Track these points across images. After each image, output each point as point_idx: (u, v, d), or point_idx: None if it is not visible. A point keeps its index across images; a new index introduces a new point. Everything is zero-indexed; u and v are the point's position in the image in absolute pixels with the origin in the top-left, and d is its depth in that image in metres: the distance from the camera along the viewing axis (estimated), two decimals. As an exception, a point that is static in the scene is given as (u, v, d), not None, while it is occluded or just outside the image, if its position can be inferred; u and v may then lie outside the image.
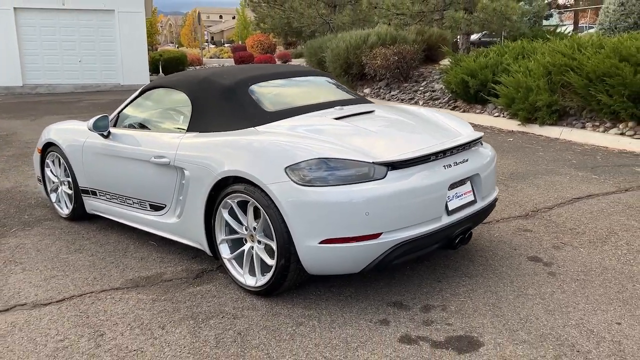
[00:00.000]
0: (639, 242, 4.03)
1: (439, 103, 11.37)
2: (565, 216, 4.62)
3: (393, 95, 12.89)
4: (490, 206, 3.65)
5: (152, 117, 4.31)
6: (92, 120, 4.20)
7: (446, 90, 11.15)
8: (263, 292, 3.31)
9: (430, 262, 3.74)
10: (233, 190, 3.30)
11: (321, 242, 2.99)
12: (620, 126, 7.41)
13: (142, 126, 4.28)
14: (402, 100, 12.38)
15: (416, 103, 11.91)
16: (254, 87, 3.83)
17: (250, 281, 3.36)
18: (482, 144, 3.72)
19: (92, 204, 4.61)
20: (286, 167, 3.05)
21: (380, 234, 2.99)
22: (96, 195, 4.54)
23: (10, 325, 3.15)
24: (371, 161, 3.04)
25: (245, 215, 3.33)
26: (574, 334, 2.86)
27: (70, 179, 4.73)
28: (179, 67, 25.44)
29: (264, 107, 3.69)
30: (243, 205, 3.32)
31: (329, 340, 2.87)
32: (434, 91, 12.11)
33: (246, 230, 3.37)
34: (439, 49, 14.46)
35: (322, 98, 4.06)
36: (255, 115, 3.62)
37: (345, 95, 4.25)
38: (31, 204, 5.47)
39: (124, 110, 4.38)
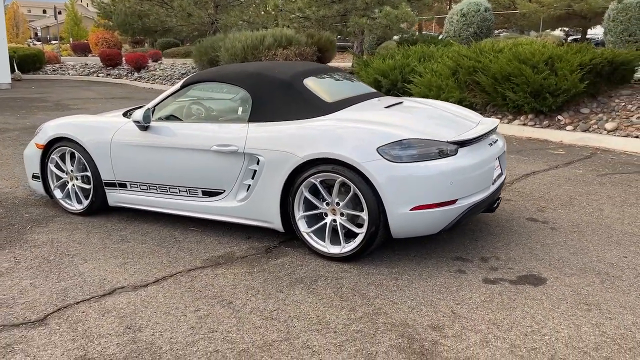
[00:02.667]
0: (596, 203, 5.16)
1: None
2: (528, 188, 5.67)
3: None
4: (505, 178, 4.51)
5: (199, 109, 4.56)
6: (140, 113, 4.34)
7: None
8: (348, 258, 3.82)
9: (460, 227, 4.44)
10: (318, 171, 3.77)
11: (411, 209, 3.60)
12: (522, 118, 8.84)
13: (185, 118, 4.51)
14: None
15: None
16: (307, 81, 4.31)
17: (334, 249, 3.85)
18: None
19: (118, 197, 4.72)
20: (378, 148, 3.61)
21: (456, 200, 3.68)
22: (126, 187, 4.66)
23: (131, 304, 3.33)
24: (445, 140, 3.72)
25: (329, 192, 3.81)
26: (602, 266, 3.78)
27: (89, 173, 4.77)
28: (36, 65, 23.70)
29: (323, 98, 4.19)
30: (325, 184, 3.79)
31: (431, 287, 3.49)
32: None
33: (327, 205, 3.85)
34: (327, 51, 15.46)
35: (358, 91, 4.65)
36: (320, 106, 4.11)
37: (369, 89, 4.87)
38: (16, 204, 5.30)
39: (161, 103, 4.56)
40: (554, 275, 3.63)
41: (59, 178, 5.03)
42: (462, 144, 3.75)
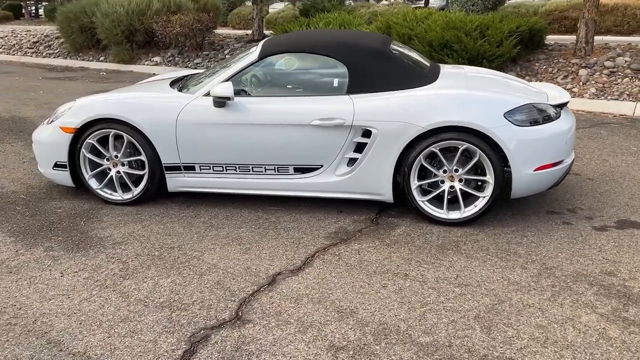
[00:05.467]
0: (597, 155, 5.88)
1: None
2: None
3: (197, 63, 12.97)
4: None
5: (283, 82, 4.32)
6: (225, 88, 3.97)
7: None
8: (467, 222, 4.01)
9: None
10: (440, 139, 3.88)
11: (535, 170, 3.88)
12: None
13: (258, 91, 4.27)
14: (213, 68, 12.59)
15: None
16: (394, 50, 4.33)
17: (453, 215, 4.01)
18: None
19: (182, 181, 4.35)
20: (505, 113, 3.82)
21: (563, 160, 4.04)
22: (193, 170, 4.32)
23: (309, 287, 3.21)
24: (553, 104, 4.04)
25: (450, 159, 3.94)
26: (664, 207, 4.42)
27: (143, 157, 4.32)
28: None
29: (418, 67, 4.26)
30: (444, 152, 3.91)
31: (560, 239, 3.82)
32: (244, 59, 12.65)
33: (444, 172, 3.99)
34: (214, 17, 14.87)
35: (424, 59, 4.75)
36: (420, 75, 4.17)
37: (424, 57, 5.00)
38: (34, 200, 4.64)
39: (235, 77, 4.25)
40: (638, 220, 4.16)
41: (95, 165, 4.45)
42: (560, 107, 4.09)
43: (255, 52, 4.28)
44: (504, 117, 3.77)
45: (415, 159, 3.90)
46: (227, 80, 4.19)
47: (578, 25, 9.30)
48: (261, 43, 4.44)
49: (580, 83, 8.44)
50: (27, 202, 4.55)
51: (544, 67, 9.19)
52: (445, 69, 4.61)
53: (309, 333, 2.76)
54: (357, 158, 4.04)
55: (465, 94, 3.89)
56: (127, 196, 4.41)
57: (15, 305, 3.02)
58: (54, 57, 16.13)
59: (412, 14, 9.93)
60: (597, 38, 11.56)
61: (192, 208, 4.41)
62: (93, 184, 4.46)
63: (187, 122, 4.15)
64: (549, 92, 4.30)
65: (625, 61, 8.76)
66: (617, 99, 7.93)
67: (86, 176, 4.44)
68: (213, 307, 3.00)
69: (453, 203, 4.00)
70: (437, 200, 4.04)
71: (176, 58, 13.55)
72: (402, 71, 4.11)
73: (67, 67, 14.97)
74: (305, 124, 4.00)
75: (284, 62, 4.38)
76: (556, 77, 8.83)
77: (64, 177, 4.49)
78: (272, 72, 4.36)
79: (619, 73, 8.55)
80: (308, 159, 4.09)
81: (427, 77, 4.14)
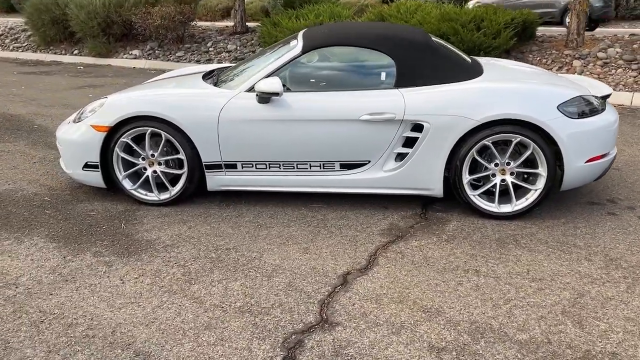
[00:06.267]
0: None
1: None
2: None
3: (180, 56, 12.68)
4: None
5: (327, 76, 4.22)
6: (272, 84, 3.84)
7: (256, 51, 11.72)
8: (517, 215, 4.01)
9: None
10: (493, 132, 3.86)
11: (586, 162, 3.91)
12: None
13: (297, 86, 4.16)
14: (198, 61, 12.34)
15: (220, 63, 12.07)
16: (436, 43, 4.29)
17: (505, 208, 4.00)
18: None
19: (223, 179, 4.22)
20: (558, 105, 3.83)
21: (609, 152, 4.08)
22: (235, 168, 4.20)
23: (384, 287, 3.15)
24: (600, 96, 4.07)
25: (502, 153, 3.93)
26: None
27: (182, 156, 4.17)
28: None
29: (464, 59, 4.23)
30: (494, 145, 3.89)
31: (613, 230, 3.86)
32: (229, 51, 12.44)
33: (495, 165, 3.98)
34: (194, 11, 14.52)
35: (462, 52, 4.73)
36: (467, 67, 4.14)
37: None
38: (60, 202, 4.44)
39: (278, 72, 4.13)
40: (679, 207, 4.25)
41: (130, 165, 4.28)
42: (604, 99, 4.12)
43: (297, 45, 4.16)
44: (558, 109, 3.77)
45: (468, 152, 3.87)
46: (271, 75, 4.06)
47: (569, 16, 9.43)
48: (301, 36, 4.33)
49: (575, 74, 8.57)
50: (55, 204, 4.34)
51: (538, 58, 9.31)
52: (485, 62, 4.59)
53: (403, 334, 2.71)
54: (406, 153, 3.98)
55: (519, 87, 3.88)
56: (164, 196, 4.25)
57: (85, 316, 2.86)
58: (22, 51, 15.50)
59: (404, 6, 9.90)
60: (554, 29, 11.81)
61: (233, 207, 4.28)
62: (127, 184, 4.28)
63: (229, 119, 4.02)
64: (583, 84, 4.33)
65: (617, 52, 8.95)
66: (613, 89, 8.09)
67: (120, 176, 4.25)
68: (294, 310, 2.91)
69: (500, 197, 3.98)
70: (486, 194, 4.02)
71: (156, 51, 13.21)
72: (450, 64, 4.07)
73: (38, 61, 14.42)
74: (353, 118, 3.92)
75: (326, 57, 4.27)
76: (551, 69, 8.96)
77: (95, 178, 4.29)
78: (316, 66, 4.25)
79: (612, 64, 8.73)
80: (355, 154, 4.01)
81: (474, 69, 4.12)
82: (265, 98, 3.96)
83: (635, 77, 8.29)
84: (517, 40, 9.46)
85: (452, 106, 3.84)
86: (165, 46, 13.23)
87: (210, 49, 12.69)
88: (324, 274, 3.28)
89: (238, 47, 12.42)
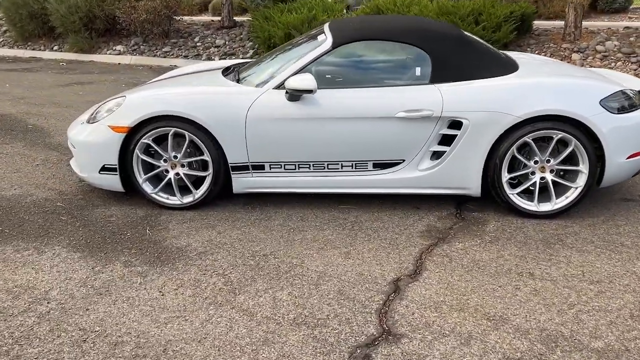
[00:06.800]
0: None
1: (236, 58, 11.58)
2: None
3: (167, 52, 12.36)
4: None
5: (359, 71, 4.05)
6: (304, 80, 3.65)
7: (246, 45, 11.48)
8: (557, 214, 3.91)
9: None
10: (535, 129, 3.74)
11: (628, 158, 3.82)
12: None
13: (340, 83, 3.99)
14: (186, 57, 12.04)
15: (209, 58, 11.80)
16: (470, 37, 4.16)
17: (544, 207, 3.89)
18: None
19: (250, 181, 4.03)
20: (600, 101, 3.72)
21: (647, 147, 3.99)
22: (262, 169, 4.01)
23: (440, 294, 3.02)
24: (637, 90, 3.98)
25: (541, 150, 3.82)
26: None
27: (207, 157, 3.97)
28: None
29: (500, 53, 4.10)
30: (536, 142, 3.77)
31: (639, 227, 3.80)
32: (218, 46, 12.17)
33: (535, 163, 3.86)
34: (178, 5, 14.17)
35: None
36: (503, 61, 4.02)
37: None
38: (73, 208, 4.20)
39: (308, 68, 3.95)
40: None
41: (150, 168, 4.06)
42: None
43: (326, 40, 3.98)
44: (600, 104, 3.67)
45: (508, 150, 3.75)
46: (300, 71, 3.87)
47: (566, 9, 9.41)
48: (328, 30, 4.15)
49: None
50: (69, 210, 4.10)
51: (536, 52, 9.27)
52: (516, 56, 4.46)
53: (474, 345, 2.57)
54: (442, 151, 3.85)
55: (561, 82, 3.76)
56: (187, 200, 4.04)
57: (130, 333, 2.66)
58: (-1, 47, 14.97)
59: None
60: (547, 23, 11.83)
61: (259, 210, 4.10)
62: (147, 188, 4.05)
63: (258, 118, 3.83)
64: (613, 78, 4.25)
65: (615, 45, 8.95)
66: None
67: (139, 180, 4.03)
68: (352, 321, 2.75)
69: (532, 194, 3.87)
70: (523, 193, 3.91)
71: (141, 46, 12.86)
72: (486, 58, 3.94)
73: (16, 57, 13.93)
74: (388, 116, 3.76)
75: (358, 52, 4.09)
76: (552, 62, 8.91)
77: (113, 182, 4.06)
78: (346, 61, 4.07)
79: (611, 57, 8.73)
80: (389, 153, 3.86)
81: (509, 64, 4.00)
82: (296, 95, 3.77)
83: (635, 69, 8.29)
84: (517, 34, 9.40)
85: (492, 102, 3.70)
86: (151, 41, 12.89)
87: (197, 44, 12.39)
88: (373, 280, 3.12)
89: (227, 42, 12.16)
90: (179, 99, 3.86)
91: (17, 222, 3.89)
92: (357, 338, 2.63)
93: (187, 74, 4.83)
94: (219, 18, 13.64)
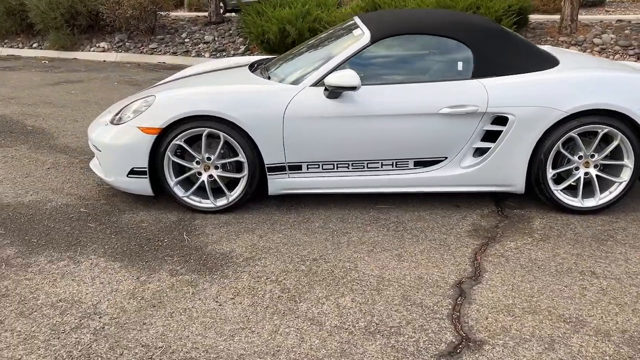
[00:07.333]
0: None
1: (227, 55, 11.35)
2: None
3: (154, 48, 12.07)
4: None
5: (397, 67, 3.92)
6: (346, 76, 3.51)
7: (236, 41, 11.26)
8: (599, 210, 3.85)
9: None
10: (582, 123, 3.67)
11: (671, 151, 3.78)
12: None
13: (379, 79, 3.86)
14: (175, 53, 11.77)
15: (198, 55, 11.55)
16: (509, 31, 4.07)
17: (588, 203, 3.84)
18: None
19: (286, 182, 3.89)
20: (647, 95, 3.68)
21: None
22: (300, 170, 3.87)
23: (509, 296, 2.94)
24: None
25: (586, 144, 3.76)
26: None
27: (242, 158, 3.82)
28: None
29: (537, 48, 4.02)
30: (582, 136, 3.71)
31: (703, 222, 3.77)
32: (207, 42, 11.92)
33: (579, 158, 3.80)
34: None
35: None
36: (545, 56, 3.94)
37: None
38: (97, 215, 4.00)
39: (345, 64, 3.81)
40: None
41: (182, 170, 3.88)
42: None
43: (364, 34, 3.85)
44: (646, 98, 3.61)
45: (554, 145, 3.68)
46: (339, 67, 3.74)
47: (562, 3, 9.43)
48: (361, 23, 4.01)
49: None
50: (96, 216, 3.89)
51: (535, 45, 9.25)
52: (551, 50, 4.40)
53: (559, 350, 2.48)
54: (486, 147, 3.75)
55: (606, 76, 3.70)
56: (221, 203, 3.87)
57: (198, 348, 2.50)
58: (-26, 45, 14.44)
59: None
60: (542, 17, 11.90)
61: (295, 211, 3.96)
62: (178, 191, 3.87)
63: (295, 116, 3.68)
64: None
65: (611, 38, 9.00)
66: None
67: (171, 183, 3.85)
68: (427, 328, 2.64)
69: (574, 189, 3.83)
70: (566, 189, 3.84)
71: (127, 43, 12.53)
72: (528, 52, 3.86)
73: (-7, 55, 13.46)
74: (432, 112, 3.66)
75: (397, 46, 3.97)
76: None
77: (142, 186, 3.87)
78: (385, 56, 3.94)
79: (609, 50, 8.77)
80: (431, 150, 3.75)
81: (550, 58, 3.92)
82: (336, 93, 3.63)
83: (634, 62, 8.33)
84: (510, 27, 9.37)
85: (538, 96, 3.62)
86: (136, 38, 12.58)
87: (185, 40, 12.13)
88: (435, 284, 3.02)
89: (216, 38, 11.92)
90: (214, 98, 3.70)
91: (43, 230, 3.67)
92: (437, 346, 2.51)
93: (209, 71, 4.65)
94: (206, 14, 13.37)
